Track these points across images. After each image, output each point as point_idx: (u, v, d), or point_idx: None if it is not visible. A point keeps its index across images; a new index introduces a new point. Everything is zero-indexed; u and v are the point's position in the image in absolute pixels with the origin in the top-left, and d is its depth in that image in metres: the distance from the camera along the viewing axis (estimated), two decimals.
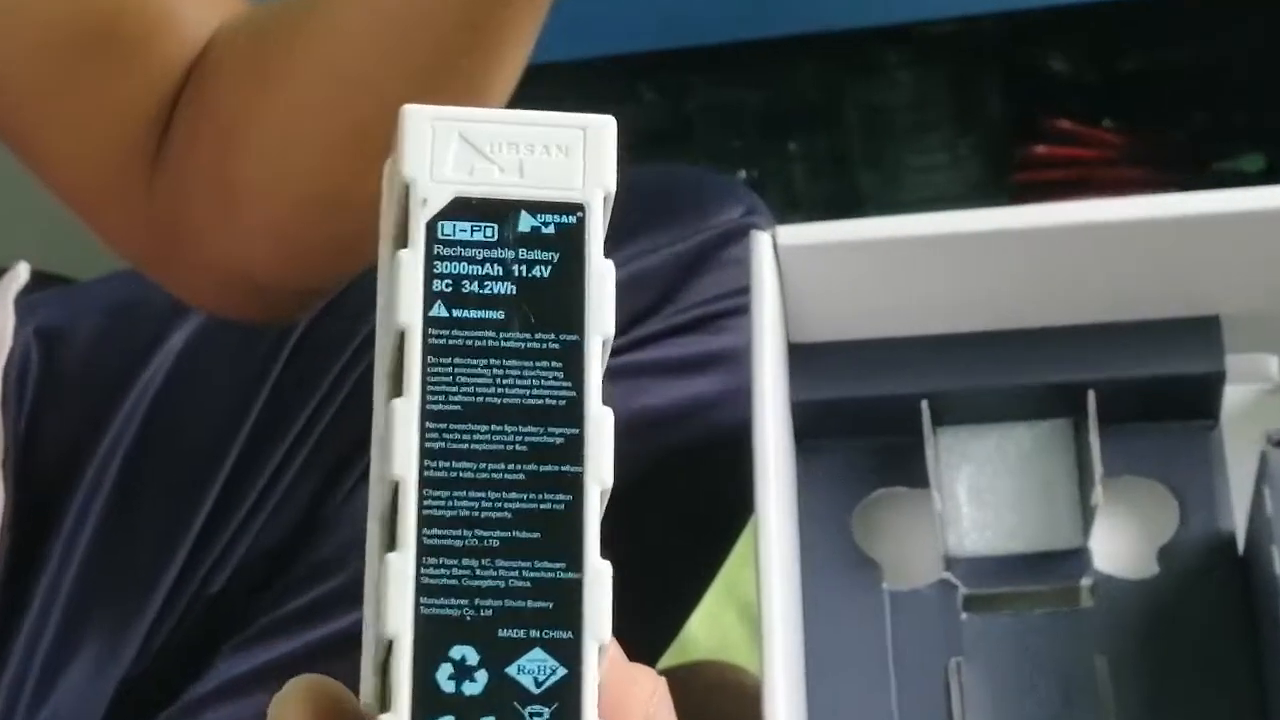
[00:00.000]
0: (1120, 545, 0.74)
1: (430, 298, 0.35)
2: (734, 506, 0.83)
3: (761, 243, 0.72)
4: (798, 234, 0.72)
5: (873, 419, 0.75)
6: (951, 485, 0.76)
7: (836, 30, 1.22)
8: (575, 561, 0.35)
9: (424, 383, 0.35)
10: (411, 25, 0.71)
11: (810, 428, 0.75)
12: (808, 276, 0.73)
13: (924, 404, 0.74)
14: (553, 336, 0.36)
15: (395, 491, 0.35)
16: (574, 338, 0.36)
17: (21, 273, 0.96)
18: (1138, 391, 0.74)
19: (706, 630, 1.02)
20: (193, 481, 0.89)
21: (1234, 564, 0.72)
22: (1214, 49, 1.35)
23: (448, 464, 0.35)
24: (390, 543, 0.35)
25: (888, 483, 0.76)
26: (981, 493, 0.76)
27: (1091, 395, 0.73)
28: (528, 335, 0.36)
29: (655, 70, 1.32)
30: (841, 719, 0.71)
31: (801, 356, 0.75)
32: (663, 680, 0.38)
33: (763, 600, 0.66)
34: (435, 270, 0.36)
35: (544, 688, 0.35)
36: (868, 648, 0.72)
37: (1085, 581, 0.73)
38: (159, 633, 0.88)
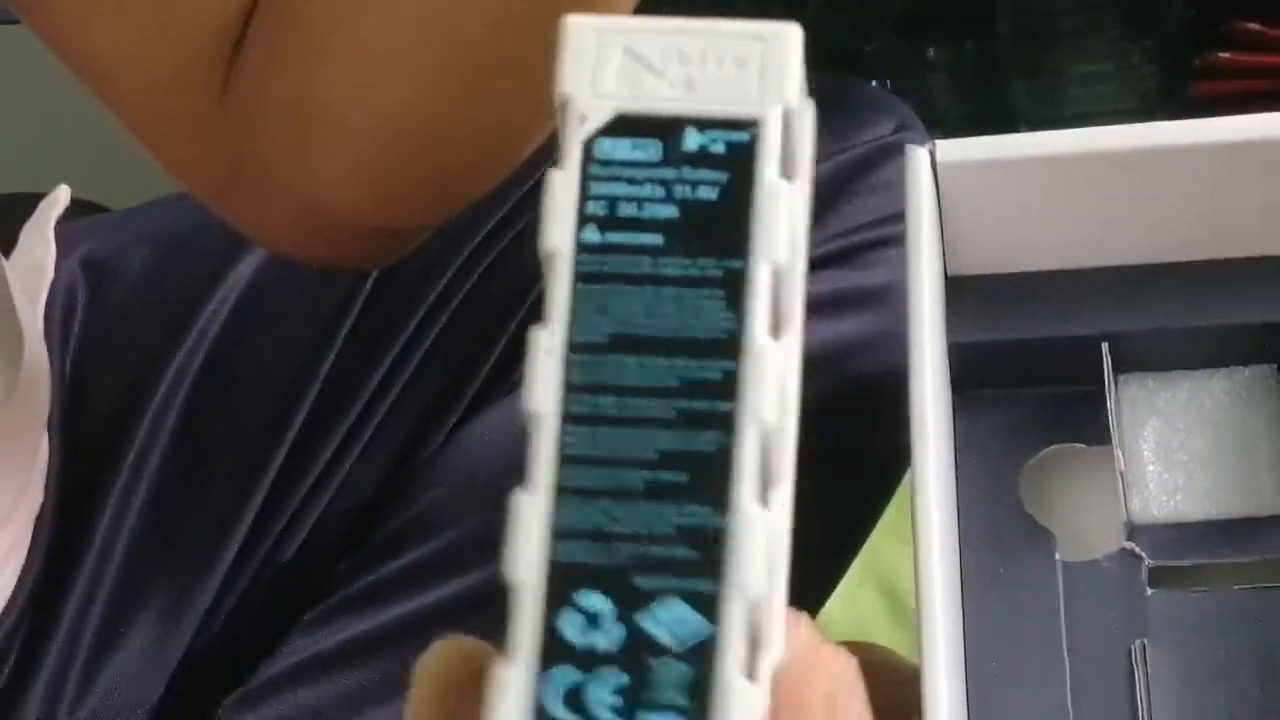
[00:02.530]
0: None
1: (583, 221, 0.37)
2: (880, 468, 0.84)
3: (918, 159, 0.71)
4: (960, 149, 0.72)
5: (1043, 365, 0.75)
6: (1135, 442, 0.75)
7: None
8: (722, 504, 0.36)
9: (572, 311, 0.37)
10: None
11: (971, 374, 0.74)
12: (970, 199, 0.73)
13: (1104, 347, 0.74)
14: (715, 262, 0.37)
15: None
16: (739, 264, 0.37)
17: (61, 197, 0.97)
18: None
19: (843, 609, 1.02)
20: (262, 431, 0.91)
21: None
22: None
23: (592, 399, 0.36)
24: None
25: (1061, 439, 0.75)
26: (1171, 451, 0.75)
27: None
28: (688, 261, 0.37)
29: None
30: (1007, 708, 0.70)
31: (961, 292, 0.74)
32: (853, 661, 0.39)
33: (921, 573, 0.65)
34: (590, 192, 0.37)
35: (683, 643, 0.36)
36: (1037, 627, 0.72)
37: None
38: (224, 604, 0.89)
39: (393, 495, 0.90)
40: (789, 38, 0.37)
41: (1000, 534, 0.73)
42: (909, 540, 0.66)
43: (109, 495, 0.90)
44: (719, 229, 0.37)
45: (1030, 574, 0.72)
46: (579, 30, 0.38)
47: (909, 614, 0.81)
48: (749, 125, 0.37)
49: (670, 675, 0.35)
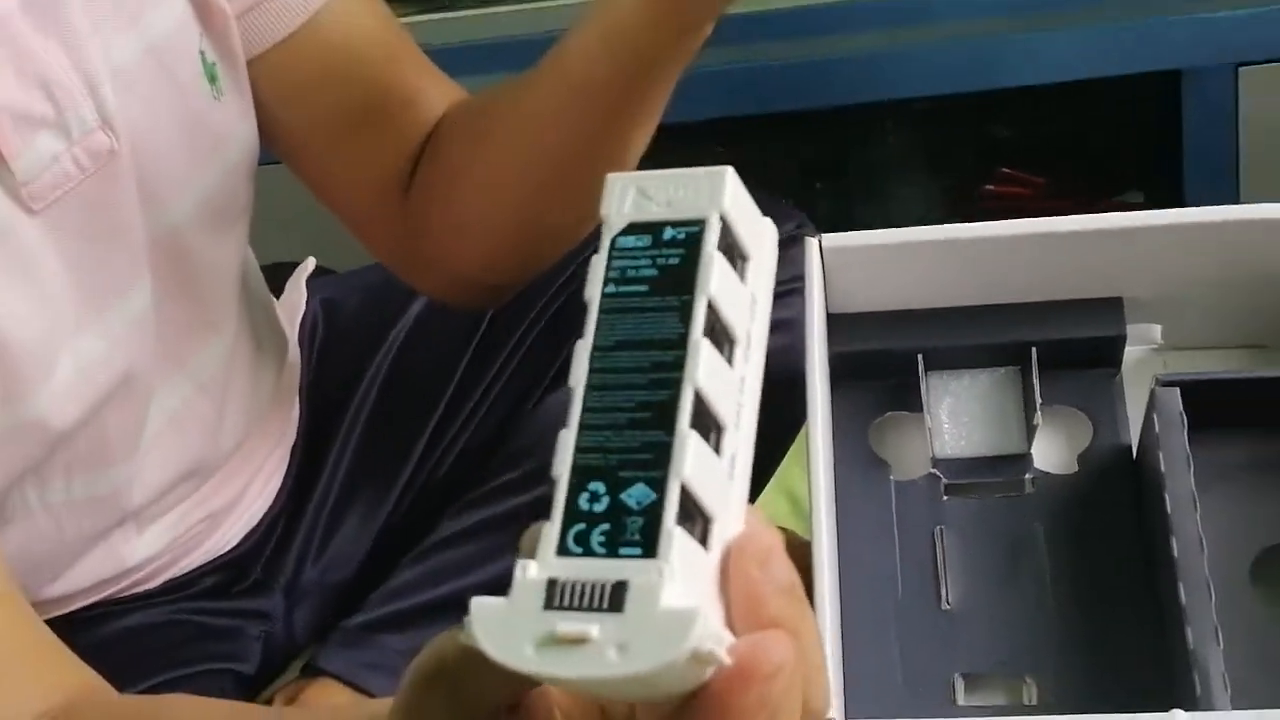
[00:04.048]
0: (1052, 452, 0.73)
1: (605, 281, 0.38)
2: (787, 427, 0.84)
3: (812, 245, 0.72)
4: (837, 239, 0.73)
5: (885, 365, 0.75)
6: (937, 411, 0.75)
7: (845, 105, 1.24)
8: (671, 430, 0.36)
9: (596, 329, 0.37)
10: (592, 96, 0.71)
11: (842, 371, 0.75)
12: (844, 268, 0.73)
13: (920, 356, 0.74)
14: (675, 299, 0.37)
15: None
16: (687, 298, 0.37)
17: (310, 264, 0.97)
18: (1066, 348, 0.73)
19: (762, 507, 0.99)
20: (426, 399, 0.91)
21: (1129, 464, 0.72)
22: (1104, 120, 1.35)
23: (603, 375, 0.37)
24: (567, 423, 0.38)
25: (895, 409, 0.75)
26: (958, 416, 0.75)
27: (1034, 351, 0.73)
28: (660, 299, 0.37)
29: (721, 132, 1.33)
30: (861, 569, 0.71)
31: (838, 322, 0.75)
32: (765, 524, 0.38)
33: (812, 486, 0.66)
34: (611, 265, 0.38)
35: (641, 506, 0.36)
36: (879, 520, 0.72)
37: (1028, 476, 0.73)
38: (404, 502, 0.90)
39: (503, 438, 0.89)
40: (724, 173, 0.38)
41: (858, 464, 0.74)
42: (805, 465, 0.67)
43: (335, 436, 0.91)
44: (677, 280, 0.37)
45: (875, 489, 0.73)
46: (614, 180, 0.39)
47: (804, 511, 0.80)
48: (699, 223, 0.38)
49: (633, 525, 0.35)
